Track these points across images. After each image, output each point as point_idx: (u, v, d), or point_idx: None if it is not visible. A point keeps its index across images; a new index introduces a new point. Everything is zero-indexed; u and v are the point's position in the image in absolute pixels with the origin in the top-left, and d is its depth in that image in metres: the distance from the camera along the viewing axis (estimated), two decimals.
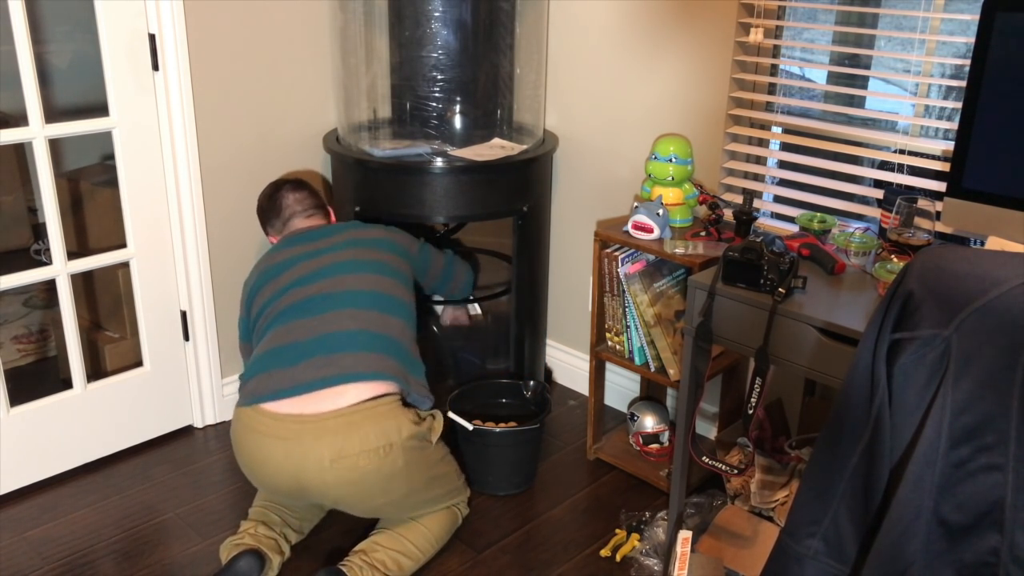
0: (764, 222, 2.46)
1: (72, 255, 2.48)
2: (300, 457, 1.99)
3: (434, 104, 2.64)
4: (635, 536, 2.28)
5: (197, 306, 2.68)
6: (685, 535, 2.04)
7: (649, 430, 2.64)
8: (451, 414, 2.44)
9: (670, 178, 2.38)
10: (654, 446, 2.62)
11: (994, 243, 1.77)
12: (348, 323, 2.12)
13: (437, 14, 2.56)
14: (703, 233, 2.34)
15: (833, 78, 2.65)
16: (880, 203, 2.16)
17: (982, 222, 1.81)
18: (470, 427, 2.39)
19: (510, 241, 2.82)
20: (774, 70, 2.45)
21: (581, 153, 2.81)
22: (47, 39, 3.85)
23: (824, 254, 1.99)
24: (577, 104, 2.78)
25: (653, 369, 2.41)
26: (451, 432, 2.46)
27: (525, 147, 2.69)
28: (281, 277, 2.27)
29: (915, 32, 2.11)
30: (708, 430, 2.70)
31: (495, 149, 2.65)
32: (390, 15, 2.66)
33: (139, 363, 2.68)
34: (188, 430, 2.79)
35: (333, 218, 2.58)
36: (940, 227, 1.96)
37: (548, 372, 3.12)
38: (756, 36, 2.33)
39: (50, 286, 3.40)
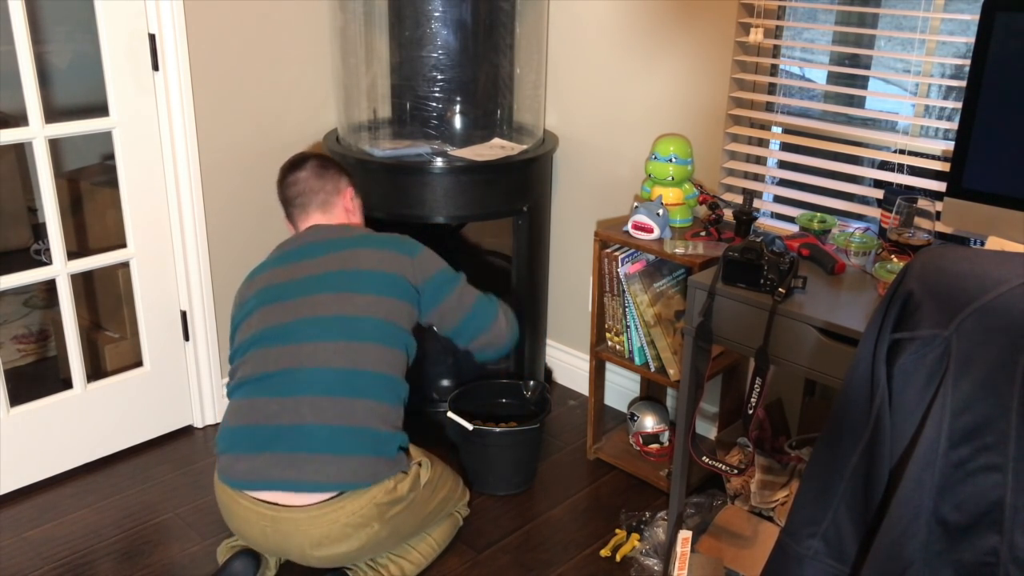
0: (764, 222, 2.46)
1: (72, 255, 2.48)
2: (280, 541, 1.96)
3: (434, 104, 2.64)
4: (635, 536, 2.28)
5: (197, 306, 2.68)
6: (685, 535, 2.04)
7: (649, 430, 2.64)
8: (451, 414, 2.44)
9: (670, 178, 2.38)
10: (654, 446, 2.62)
11: (994, 243, 1.77)
12: (308, 415, 1.94)
13: (437, 14, 2.56)
14: (703, 233, 2.34)
15: (833, 78, 2.65)
16: (880, 203, 2.16)
17: (982, 222, 1.81)
18: (470, 427, 2.39)
19: (510, 241, 2.82)
20: (774, 70, 2.45)
21: (581, 153, 2.81)
22: (47, 39, 3.86)
23: (824, 254, 1.99)
24: (577, 104, 2.78)
25: (653, 369, 2.41)
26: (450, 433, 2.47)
27: (525, 147, 2.69)
28: (252, 319, 2.09)
29: (915, 32, 2.11)
30: (708, 430, 2.70)
31: (495, 149, 2.65)
32: (390, 15, 2.66)
33: (139, 363, 2.68)
34: (188, 430, 2.79)
35: (347, 210, 2.27)
36: (940, 227, 1.96)
37: (548, 372, 3.12)
38: (756, 36, 2.33)
39: (50, 286, 3.40)
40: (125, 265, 2.62)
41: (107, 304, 2.86)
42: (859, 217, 2.31)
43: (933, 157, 2.14)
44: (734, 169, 2.50)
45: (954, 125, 2.02)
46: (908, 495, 1.01)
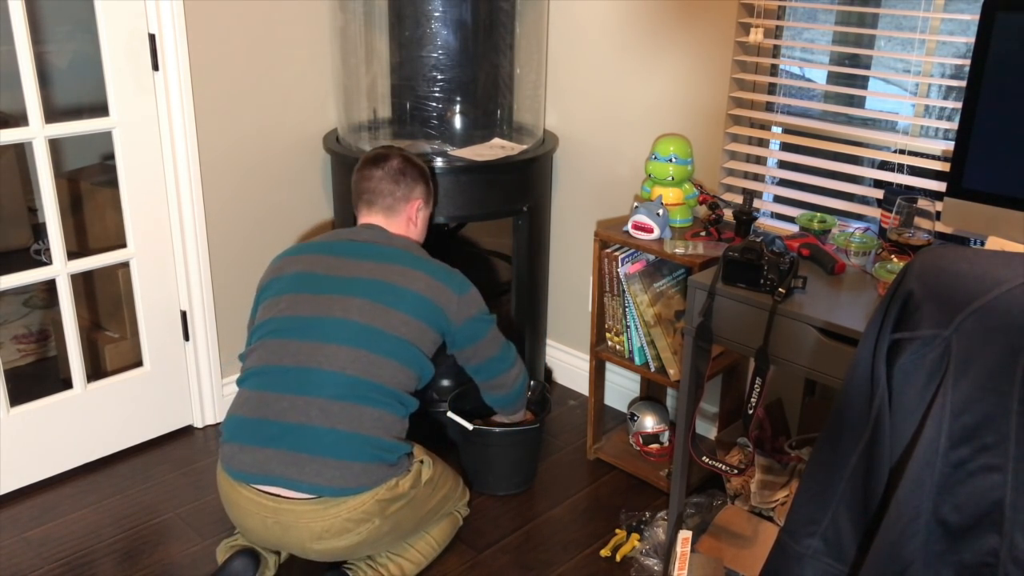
0: (764, 222, 2.46)
1: (72, 255, 2.48)
2: (281, 534, 1.97)
3: (434, 104, 2.64)
4: (635, 536, 2.28)
5: (197, 306, 2.68)
6: (685, 535, 2.04)
7: (649, 430, 2.64)
8: (451, 414, 2.44)
9: (670, 178, 2.38)
10: (654, 446, 2.62)
11: (994, 243, 1.77)
12: (316, 417, 1.94)
13: (437, 14, 2.56)
14: (703, 233, 2.34)
15: (833, 78, 2.65)
16: (880, 203, 2.16)
17: (982, 222, 1.81)
18: (470, 427, 2.39)
19: (510, 241, 2.82)
20: (774, 70, 2.45)
21: (581, 153, 2.81)
22: (47, 39, 3.85)
23: (824, 254, 1.99)
24: (577, 104, 2.77)
25: (653, 369, 2.41)
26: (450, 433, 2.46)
27: (525, 147, 2.69)
28: (280, 301, 2.09)
29: (915, 32, 2.11)
30: (708, 430, 2.70)
31: (495, 149, 2.65)
32: (390, 15, 2.66)
33: (139, 363, 2.68)
34: (188, 430, 2.79)
35: (409, 221, 2.25)
36: (940, 227, 1.96)
37: (548, 372, 3.12)
38: (756, 36, 2.33)
39: (50, 286, 3.40)
40: (125, 265, 2.62)
41: (107, 304, 2.86)
42: (859, 217, 2.31)
43: (933, 157, 2.14)
44: (734, 169, 2.50)
45: (954, 125, 2.02)
46: (908, 495, 1.01)
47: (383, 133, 2.78)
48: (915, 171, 2.18)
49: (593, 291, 2.48)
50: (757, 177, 2.52)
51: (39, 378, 3.02)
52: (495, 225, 3.24)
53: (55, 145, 2.49)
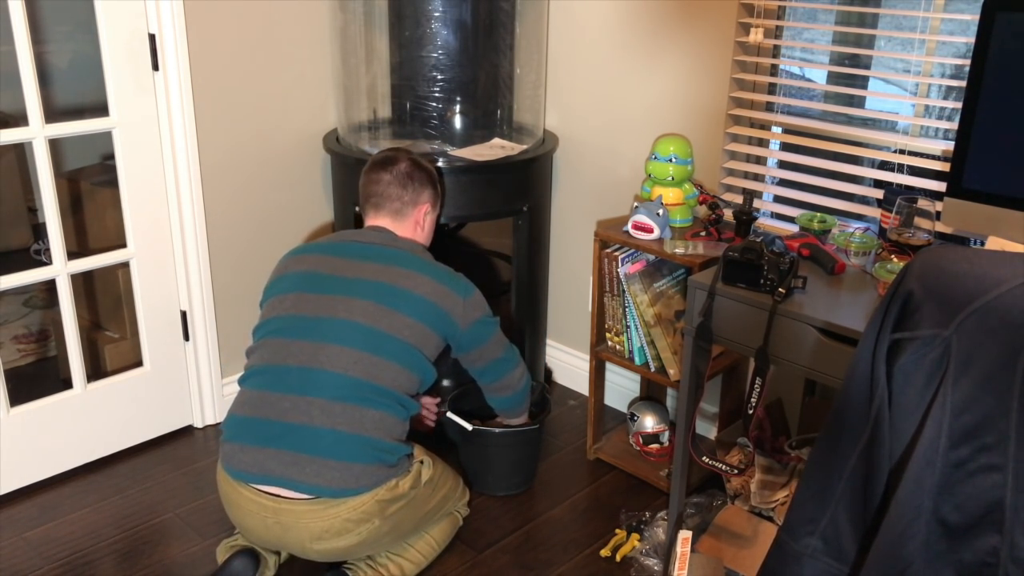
0: (764, 222, 2.46)
1: (72, 255, 2.48)
2: (280, 534, 1.97)
3: (434, 104, 2.64)
4: (635, 536, 2.28)
5: (197, 306, 2.68)
6: (685, 535, 2.04)
7: (649, 430, 2.64)
8: (451, 414, 2.44)
9: (670, 178, 2.38)
10: (654, 446, 2.62)
11: (994, 243, 1.77)
12: (318, 417, 1.94)
13: (437, 14, 2.56)
14: (703, 233, 2.34)
15: (833, 78, 2.65)
16: (880, 203, 2.16)
17: (982, 222, 1.81)
18: (470, 427, 2.39)
19: (510, 241, 2.82)
20: (774, 70, 2.45)
21: (581, 153, 2.81)
22: (47, 39, 3.85)
23: (824, 254, 1.99)
24: (577, 104, 2.78)
25: (653, 369, 2.41)
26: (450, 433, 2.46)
27: (525, 147, 2.69)
28: (284, 300, 2.09)
29: (915, 32, 2.11)
30: (708, 430, 2.70)
31: (495, 149, 2.65)
32: (390, 15, 2.66)
33: (139, 363, 2.68)
34: (188, 430, 2.79)
35: (417, 225, 2.26)
36: (940, 227, 1.96)
37: (548, 372, 3.12)
38: (756, 36, 2.33)
39: (50, 286, 3.40)
40: (125, 265, 2.62)
41: (107, 304, 2.86)
42: (859, 217, 2.31)
43: (933, 157, 2.14)
44: (734, 169, 2.50)
45: (954, 125, 2.02)
46: (908, 495, 1.01)
47: (383, 133, 2.78)
48: (915, 171, 2.18)
49: (593, 291, 2.48)
50: (757, 177, 2.52)
51: (39, 378, 3.02)
52: (495, 225, 3.24)
53: (55, 145, 2.49)
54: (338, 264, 2.11)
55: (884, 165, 2.30)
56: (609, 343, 2.53)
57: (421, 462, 2.08)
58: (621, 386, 2.90)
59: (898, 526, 1.02)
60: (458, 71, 2.62)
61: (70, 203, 2.86)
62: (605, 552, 2.26)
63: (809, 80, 2.60)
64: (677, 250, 2.25)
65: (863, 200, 2.32)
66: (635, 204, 2.35)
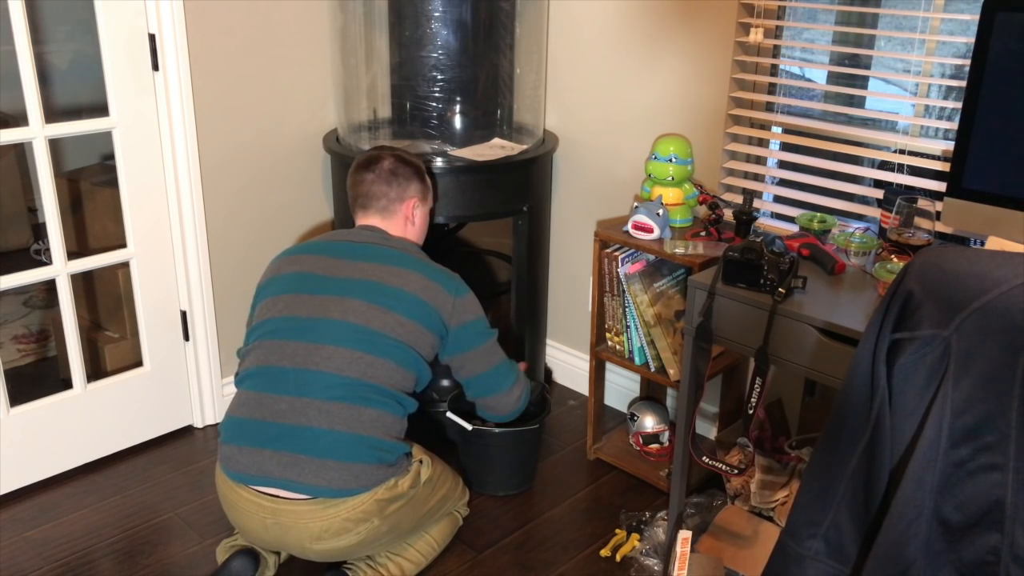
0: (764, 222, 2.46)
1: (72, 255, 2.48)
2: (280, 534, 1.97)
3: (434, 104, 2.64)
4: (635, 536, 2.28)
5: (197, 306, 2.68)
6: (685, 535, 2.04)
7: (649, 430, 2.64)
8: (450, 414, 2.44)
9: (670, 178, 2.38)
10: (654, 446, 2.62)
11: (994, 243, 1.77)
12: (315, 418, 1.94)
13: (437, 14, 2.56)
14: (703, 233, 2.34)
15: (833, 78, 2.65)
16: (880, 203, 2.16)
17: (982, 222, 1.81)
18: (469, 428, 2.39)
19: (510, 241, 2.82)
20: (774, 70, 2.45)
21: (581, 153, 2.81)
22: (47, 39, 3.86)
23: (824, 254, 1.99)
24: (577, 104, 2.78)
25: (653, 369, 2.41)
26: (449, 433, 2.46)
27: (525, 147, 2.69)
28: (278, 302, 2.09)
29: (915, 32, 2.11)
30: (708, 430, 2.70)
31: (495, 149, 2.65)
32: (390, 15, 2.66)
33: (139, 363, 2.68)
34: (188, 430, 2.79)
35: (407, 221, 2.25)
36: (940, 227, 1.96)
37: (548, 372, 3.12)
38: (756, 36, 2.33)
39: (50, 286, 3.40)
40: (125, 265, 2.62)
41: (107, 304, 2.86)
42: (859, 217, 2.31)
43: (933, 157, 2.14)
44: (734, 169, 2.50)
45: (954, 125, 2.02)
46: (909, 495, 1.01)
47: (383, 133, 2.78)
48: (915, 171, 2.18)
49: (593, 291, 2.48)
50: (757, 177, 2.52)
51: (39, 378, 3.02)
52: (495, 225, 3.24)
53: (55, 145, 2.49)
54: (331, 264, 2.11)
55: (884, 165, 2.30)
56: (609, 343, 2.53)
57: (420, 461, 2.08)
58: (621, 386, 2.90)
59: (899, 526, 1.02)
60: (458, 71, 2.62)
61: (70, 203, 2.86)
62: (605, 552, 2.26)
63: (809, 80, 2.60)
64: (677, 250, 2.25)
65: (863, 200, 2.32)
66: (635, 204, 2.35)
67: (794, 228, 2.31)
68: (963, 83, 1.85)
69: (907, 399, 1.04)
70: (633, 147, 2.66)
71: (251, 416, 2.00)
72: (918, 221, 1.92)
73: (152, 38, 2.41)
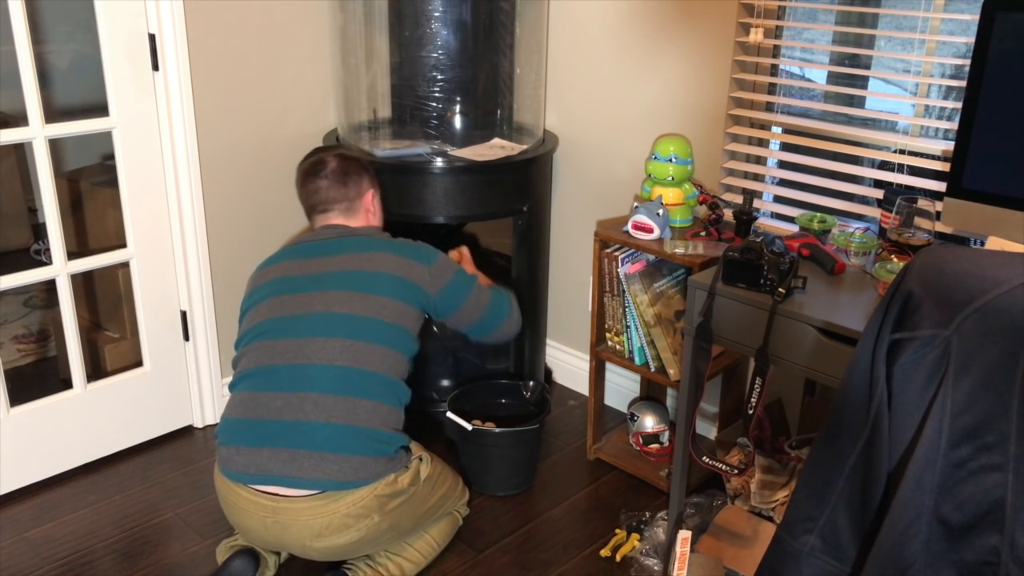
0: (764, 222, 2.46)
1: (72, 255, 2.48)
2: (280, 533, 1.97)
3: (434, 104, 2.64)
4: (635, 536, 2.28)
5: (197, 306, 2.68)
6: (685, 535, 2.04)
7: (649, 430, 2.64)
8: (450, 414, 2.44)
9: (670, 178, 2.38)
10: (654, 446, 2.62)
11: (994, 243, 1.77)
12: (312, 412, 1.96)
13: (437, 14, 2.56)
14: (703, 233, 2.34)
15: (833, 78, 2.65)
16: (880, 203, 2.16)
17: (982, 222, 1.81)
18: (469, 428, 2.39)
19: (510, 241, 2.82)
20: (774, 70, 2.45)
21: (581, 153, 2.81)
22: (47, 39, 3.86)
23: (824, 254, 1.99)
24: (577, 104, 2.78)
25: (653, 369, 2.41)
26: (450, 433, 2.46)
27: (525, 147, 2.69)
28: (261, 307, 2.12)
29: (915, 32, 2.11)
30: (708, 430, 2.70)
31: (495, 149, 2.65)
32: (390, 15, 2.66)
33: (139, 363, 2.68)
34: (188, 430, 2.79)
35: (367, 213, 2.28)
36: (940, 227, 1.96)
37: (548, 372, 3.12)
38: (756, 36, 2.33)
39: (50, 286, 3.40)
40: (125, 265, 2.62)
41: (107, 304, 2.86)
42: (859, 217, 2.31)
43: (933, 157, 2.14)
44: (734, 169, 2.50)
45: (954, 125, 2.02)
46: (909, 495, 1.01)
47: (383, 133, 2.78)
48: (915, 171, 2.18)
49: (593, 291, 2.48)
50: (757, 177, 2.52)
51: (39, 378, 3.02)
52: (495, 225, 3.23)
53: (55, 145, 2.49)
54: (305, 264, 2.13)
55: (884, 165, 2.30)
56: (609, 343, 2.53)
57: (420, 459, 2.08)
58: (621, 386, 2.90)
59: (899, 526, 1.02)
60: (458, 71, 2.62)
61: (70, 203, 2.86)
62: (605, 552, 2.26)
63: (809, 80, 2.60)
64: (677, 250, 2.25)
65: (863, 200, 2.32)
66: (635, 204, 2.35)
67: (794, 228, 2.31)
68: (963, 83, 1.85)
69: (907, 399, 1.04)
70: (633, 147, 2.66)
71: (247, 416, 2.00)
72: (918, 221, 1.92)
73: (152, 38, 2.42)
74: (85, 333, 2.79)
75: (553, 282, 3.01)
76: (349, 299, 2.05)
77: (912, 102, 2.19)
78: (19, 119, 2.85)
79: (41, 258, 3.65)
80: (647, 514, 2.35)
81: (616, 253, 2.40)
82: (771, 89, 2.45)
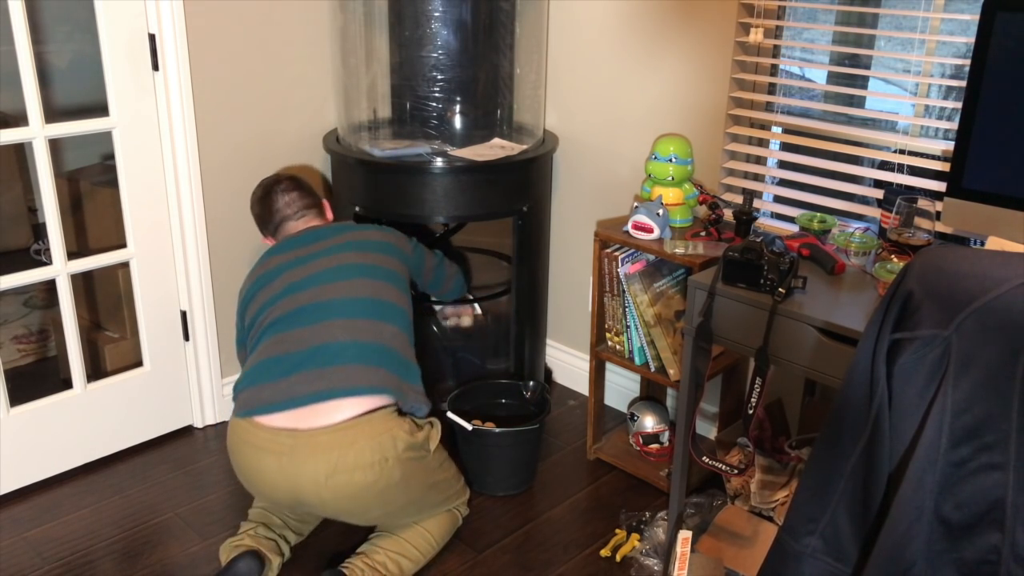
0: (764, 222, 2.46)
1: (72, 255, 2.48)
2: (295, 473, 1.98)
3: (434, 104, 2.64)
4: (635, 536, 2.28)
5: (197, 306, 2.68)
6: (685, 535, 2.04)
7: (649, 430, 2.64)
8: (450, 414, 2.44)
9: (670, 178, 2.38)
10: (654, 446, 2.62)
11: (994, 243, 1.78)
12: (340, 334, 2.08)
13: (437, 14, 2.56)
14: (703, 233, 2.34)
15: (833, 78, 2.65)
16: (880, 203, 2.16)
17: (982, 222, 1.81)
18: (469, 427, 2.39)
19: (510, 241, 2.82)
20: (774, 70, 2.45)
21: (581, 153, 2.81)
22: (47, 39, 3.85)
23: (824, 254, 1.99)
24: (577, 104, 2.78)
25: (653, 369, 2.41)
26: (450, 433, 2.46)
27: (525, 147, 2.69)
28: (273, 284, 2.23)
29: (915, 32, 2.11)
30: (708, 430, 2.70)
31: (495, 149, 2.65)
32: (390, 15, 2.66)
33: (139, 363, 2.68)
34: (188, 430, 2.79)
35: (330, 215, 2.52)
36: (940, 227, 1.97)
37: (548, 372, 3.12)
38: (756, 36, 2.33)
39: (50, 286, 3.40)
40: (125, 265, 2.62)
41: (107, 304, 2.86)
42: (859, 217, 2.31)
43: (933, 157, 2.14)
44: (734, 169, 2.50)
45: (954, 125, 2.02)
46: (909, 495, 1.01)
47: (383, 133, 2.78)
48: (915, 171, 2.18)
49: (593, 291, 2.48)
50: (757, 177, 2.52)
51: (39, 378, 3.02)
52: (495, 225, 3.24)
53: (55, 145, 2.49)
54: (301, 250, 2.30)
55: (884, 165, 2.30)
56: (609, 343, 2.53)
57: (431, 423, 2.15)
58: (621, 386, 2.90)
59: (900, 526, 1.02)
60: (458, 71, 2.62)
61: (70, 203, 2.86)
62: (605, 552, 2.26)
63: (809, 80, 2.60)
64: (677, 250, 2.25)
65: (863, 200, 2.32)
66: (635, 204, 2.35)
67: (794, 228, 2.32)
68: (963, 83, 1.85)
69: (907, 399, 1.04)
70: (633, 147, 2.66)
71: (273, 355, 2.09)
72: (918, 221, 1.92)
73: (152, 38, 2.42)
74: (85, 333, 2.79)
75: (553, 282, 3.01)
76: (356, 256, 2.26)
77: (912, 102, 2.19)
78: (19, 119, 2.85)
79: (41, 258, 3.65)
80: (647, 514, 2.35)
81: (616, 253, 2.40)
82: (771, 89, 2.45)
